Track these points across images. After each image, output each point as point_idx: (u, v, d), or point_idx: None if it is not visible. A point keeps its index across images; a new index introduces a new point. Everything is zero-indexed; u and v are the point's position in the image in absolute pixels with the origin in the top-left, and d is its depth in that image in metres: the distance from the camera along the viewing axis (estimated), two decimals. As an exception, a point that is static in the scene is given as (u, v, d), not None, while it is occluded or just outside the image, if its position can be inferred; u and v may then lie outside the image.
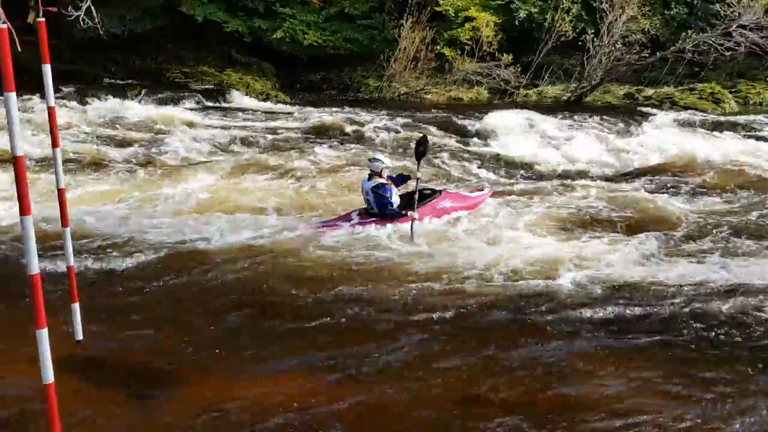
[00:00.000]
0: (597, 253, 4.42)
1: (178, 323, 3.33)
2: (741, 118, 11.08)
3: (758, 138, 9.48)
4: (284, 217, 5.04)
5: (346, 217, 4.80)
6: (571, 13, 11.49)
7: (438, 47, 11.71)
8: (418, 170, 4.70)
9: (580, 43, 11.37)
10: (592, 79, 11.45)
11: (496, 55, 11.40)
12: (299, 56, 11.81)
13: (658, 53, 11.65)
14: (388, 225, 4.56)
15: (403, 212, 4.66)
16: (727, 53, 11.53)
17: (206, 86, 11.11)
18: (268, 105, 10.65)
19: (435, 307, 3.50)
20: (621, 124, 9.93)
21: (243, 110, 10.04)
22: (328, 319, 3.32)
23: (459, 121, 9.32)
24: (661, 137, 9.48)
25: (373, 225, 4.58)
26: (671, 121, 10.53)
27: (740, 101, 11.51)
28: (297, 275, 3.93)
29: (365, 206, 4.81)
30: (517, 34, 11.95)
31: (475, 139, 8.56)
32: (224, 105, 10.36)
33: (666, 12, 12.34)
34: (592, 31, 11.33)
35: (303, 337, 3.17)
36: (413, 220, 4.56)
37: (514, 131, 8.99)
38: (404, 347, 3.05)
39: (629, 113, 11.05)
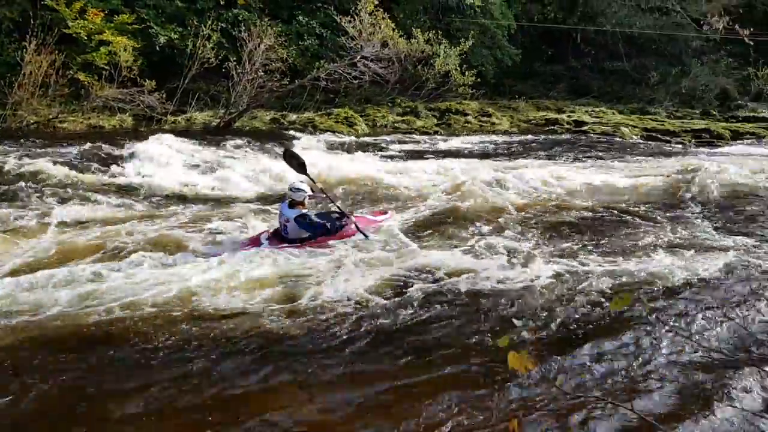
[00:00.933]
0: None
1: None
2: (372, 139, 18.76)
3: (390, 156, 16.98)
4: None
5: (255, 242, 7.06)
6: (212, 41, 17.01)
7: (71, 72, 15.57)
8: (315, 182, 7.54)
9: (224, 70, 16.85)
10: (239, 105, 17.05)
11: (139, 80, 16.01)
12: None
13: (297, 81, 18.17)
14: (307, 248, 6.96)
15: (341, 222, 7.35)
16: (355, 81, 19.22)
17: None
18: None
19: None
20: (273, 148, 16.09)
21: None
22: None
23: (102, 151, 12.85)
24: (309, 157, 16.06)
25: (286, 250, 6.84)
26: (316, 143, 17.32)
27: (370, 124, 18.64)
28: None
29: (277, 229, 7.23)
30: (158, 60, 16.86)
31: (121, 169, 11.86)
32: None
33: (301, 43, 19.28)
34: (235, 58, 16.95)
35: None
36: (355, 223, 7.39)
37: (164, 158, 13.79)
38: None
39: (278, 137, 17.28)
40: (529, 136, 19.03)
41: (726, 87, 25.29)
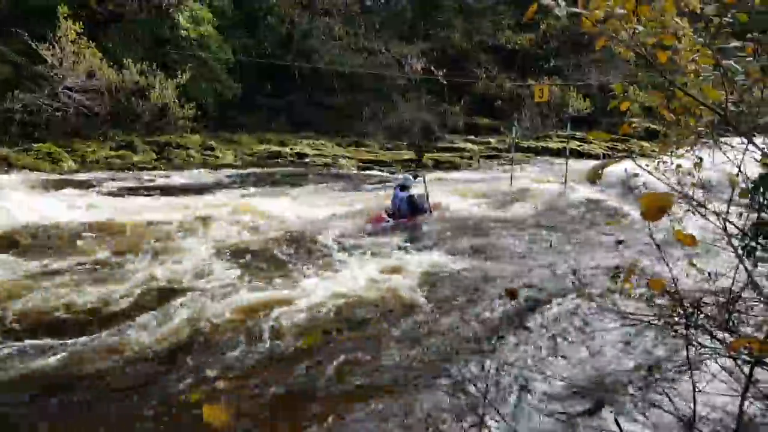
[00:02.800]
0: None
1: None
2: (81, 176, 17.35)
3: (102, 194, 15.67)
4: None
5: (379, 219, 10.52)
6: None
7: None
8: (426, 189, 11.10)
9: None
10: None
11: None
12: None
13: (-16, 113, 16.88)
14: (411, 223, 10.46)
15: (427, 204, 10.98)
16: (58, 114, 17.87)
17: None
18: None
19: None
20: (-44, 191, 13.82)
21: None
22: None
23: None
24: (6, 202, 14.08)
25: (402, 223, 10.40)
26: (13, 184, 15.45)
27: (78, 159, 17.48)
28: None
29: (387, 210, 10.72)
30: None
31: None
32: None
33: (-11, 70, 17.90)
34: None
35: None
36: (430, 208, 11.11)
37: None
38: None
39: (-38, 178, 15.23)
40: (254, 169, 19.21)
41: (428, 121, 28.38)
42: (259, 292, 7.07)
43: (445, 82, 26.70)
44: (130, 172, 17.34)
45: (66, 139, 17.99)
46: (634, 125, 2.23)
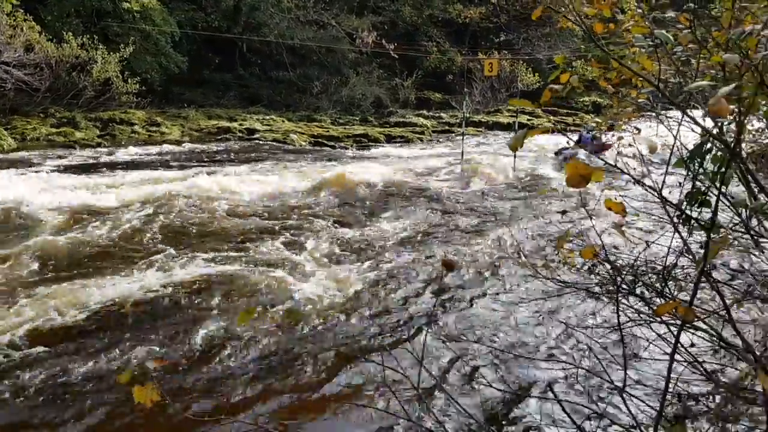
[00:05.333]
0: None
1: None
2: (21, 155, 16.79)
3: (44, 173, 15.20)
4: None
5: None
6: None
7: None
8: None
9: None
10: None
11: None
12: None
13: None
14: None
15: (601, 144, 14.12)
16: (-5, 90, 17.16)
17: None
18: None
19: None
20: None
21: None
22: None
23: None
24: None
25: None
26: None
27: (18, 137, 16.81)
28: None
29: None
30: None
31: None
32: None
33: None
34: None
35: None
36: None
37: None
38: None
39: None
40: (202, 146, 18.79)
41: (379, 95, 28.21)
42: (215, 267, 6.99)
43: (396, 56, 26.54)
44: (73, 149, 16.77)
45: (4, 117, 17.26)
46: (554, 92, 2.22)
